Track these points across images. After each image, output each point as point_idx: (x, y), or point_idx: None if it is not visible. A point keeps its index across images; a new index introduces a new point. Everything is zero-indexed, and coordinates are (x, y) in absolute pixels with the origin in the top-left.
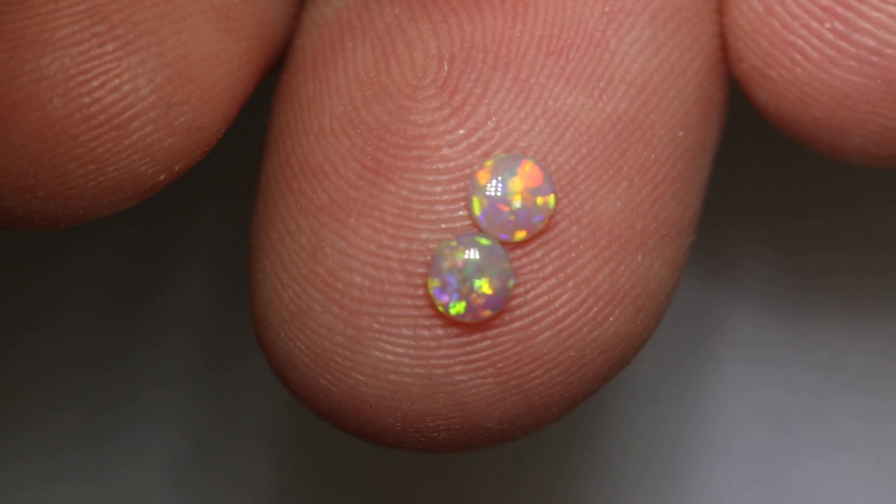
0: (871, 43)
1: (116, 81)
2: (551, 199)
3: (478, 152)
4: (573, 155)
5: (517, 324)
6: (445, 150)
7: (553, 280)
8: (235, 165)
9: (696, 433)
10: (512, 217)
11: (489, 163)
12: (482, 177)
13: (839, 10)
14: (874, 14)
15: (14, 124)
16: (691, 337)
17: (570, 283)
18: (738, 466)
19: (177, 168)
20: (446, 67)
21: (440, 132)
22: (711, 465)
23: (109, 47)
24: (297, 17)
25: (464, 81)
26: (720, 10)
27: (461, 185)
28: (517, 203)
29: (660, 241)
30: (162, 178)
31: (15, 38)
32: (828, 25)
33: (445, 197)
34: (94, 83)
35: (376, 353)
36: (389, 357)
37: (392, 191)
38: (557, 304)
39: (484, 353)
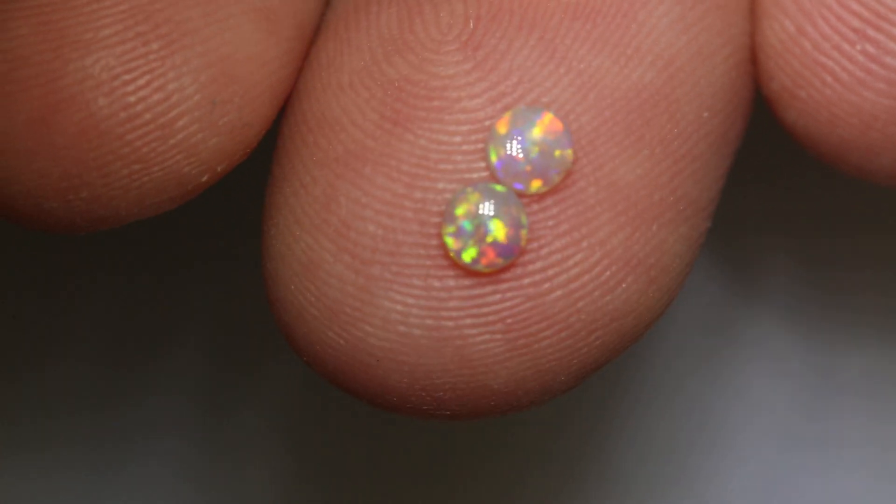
0: None
1: (161, 80)
2: (569, 153)
3: (499, 105)
4: (596, 116)
5: (528, 279)
6: (466, 102)
7: (567, 238)
8: (236, 220)
9: (700, 435)
10: (528, 167)
11: (509, 113)
12: (501, 126)
13: (870, 32)
14: None
15: (58, 125)
16: (711, 343)
17: (585, 244)
18: (740, 467)
19: (219, 169)
20: (472, 25)
21: (462, 84)
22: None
23: (154, 46)
24: None
25: (488, 38)
26: (752, 28)
27: (480, 136)
28: (534, 153)
29: (676, 215)
30: (205, 178)
31: (58, 37)
32: (858, 48)
33: (464, 147)
34: (140, 82)
35: (386, 303)
36: (399, 307)
37: (410, 140)
38: (570, 262)
39: (494, 307)
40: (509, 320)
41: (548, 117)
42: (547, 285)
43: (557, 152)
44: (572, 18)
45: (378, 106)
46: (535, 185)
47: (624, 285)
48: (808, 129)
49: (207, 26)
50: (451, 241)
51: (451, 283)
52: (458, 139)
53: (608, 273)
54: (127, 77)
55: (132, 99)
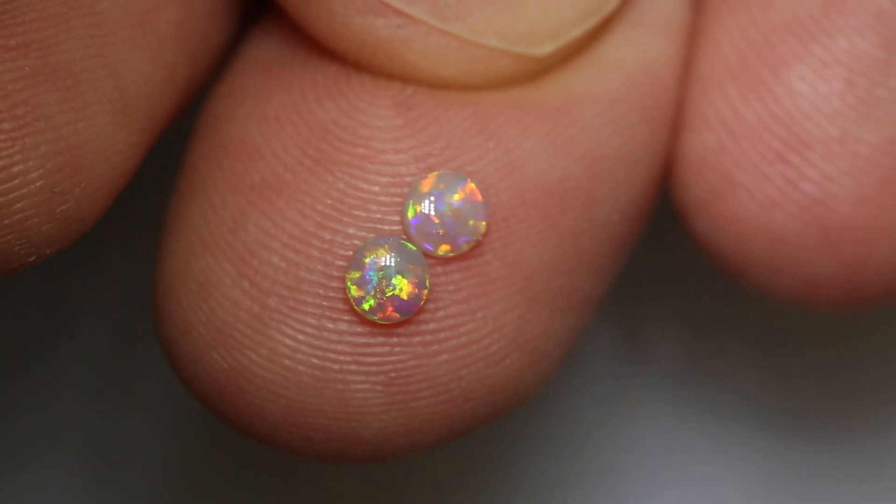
0: (816, 193)
1: (7, 161)
2: (482, 225)
3: (422, 164)
4: (516, 195)
5: (419, 338)
6: (391, 156)
7: (464, 306)
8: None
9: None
10: (441, 230)
11: (434, 174)
12: (425, 184)
13: (791, 157)
14: (824, 165)
15: None
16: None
17: (479, 315)
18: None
19: (48, 252)
20: (409, 91)
21: (389, 138)
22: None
23: (6, 126)
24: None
25: (423, 103)
26: (674, 137)
27: (398, 190)
28: (449, 217)
29: (568, 305)
30: (32, 259)
31: None
32: (778, 170)
33: (381, 198)
34: None
35: (277, 335)
36: (288, 342)
37: (328, 181)
38: (462, 330)
39: (381, 359)
40: (392, 374)
41: (470, 186)
42: (435, 347)
43: (471, 222)
44: (507, 105)
45: (302, 143)
46: (443, 249)
47: (507, 361)
48: (716, 242)
49: (63, 113)
50: (353, 288)
51: (344, 327)
52: (376, 189)
53: (495, 347)
54: None
55: None
